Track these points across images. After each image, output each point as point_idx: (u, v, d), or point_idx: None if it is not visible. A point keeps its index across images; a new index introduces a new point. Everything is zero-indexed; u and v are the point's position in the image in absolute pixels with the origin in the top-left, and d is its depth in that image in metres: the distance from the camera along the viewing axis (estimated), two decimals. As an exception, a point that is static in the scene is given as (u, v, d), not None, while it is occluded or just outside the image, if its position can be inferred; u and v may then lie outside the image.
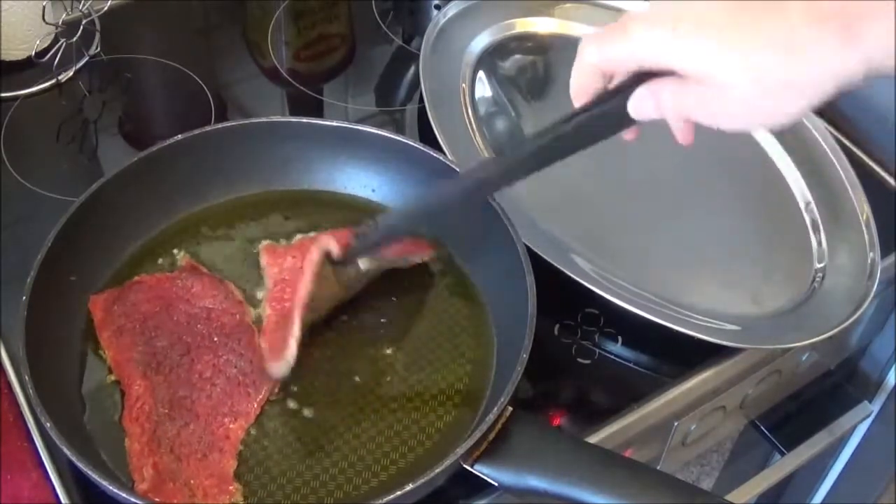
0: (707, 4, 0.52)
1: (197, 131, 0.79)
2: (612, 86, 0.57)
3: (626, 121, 0.56)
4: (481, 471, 0.63)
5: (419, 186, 0.80)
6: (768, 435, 0.98)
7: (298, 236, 0.79)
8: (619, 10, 1.01)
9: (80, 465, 0.60)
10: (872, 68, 0.49)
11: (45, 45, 0.95)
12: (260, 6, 1.08)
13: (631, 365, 0.77)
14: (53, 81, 0.95)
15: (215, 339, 0.72)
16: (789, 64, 0.50)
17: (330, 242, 0.70)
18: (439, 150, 0.79)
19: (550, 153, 0.60)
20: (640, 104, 0.55)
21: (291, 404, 0.70)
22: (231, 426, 0.67)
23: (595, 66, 0.56)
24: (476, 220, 0.76)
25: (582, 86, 0.57)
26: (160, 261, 0.77)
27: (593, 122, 0.57)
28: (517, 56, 0.98)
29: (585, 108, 0.57)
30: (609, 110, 0.56)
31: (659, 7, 0.53)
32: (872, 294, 0.80)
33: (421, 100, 0.86)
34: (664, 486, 0.62)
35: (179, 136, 0.78)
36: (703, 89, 0.52)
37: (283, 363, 0.68)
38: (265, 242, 0.78)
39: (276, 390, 0.70)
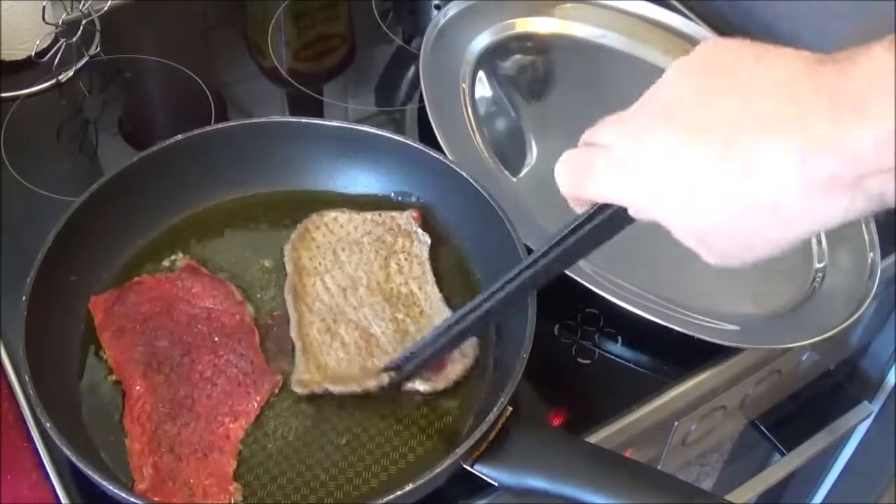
0: (679, 147, 0.47)
1: (197, 131, 0.79)
2: None
3: (629, 221, 0.54)
4: (481, 471, 0.63)
5: (419, 187, 0.81)
6: (768, 435, 0.98)
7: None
8: (618, 10, 1.01)
9: (80, 465, 0.60)
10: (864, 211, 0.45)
11: (45, 45, 0.95)
12: (260, 6, 1.08)
13: (631, 365, 0.77)
14: (53, 81, 0.95)
15: (215, 339, 0.72)
16: (779, 225, 0.47)
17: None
18: (439, 150, 0.79)
19: (570, 258, 0.59)
20: (640, 216, 0.53)
21: (291, 404, 0.70)
22: (231, 426, 0.67)
23: (572, 198, 0.55)
24: (476, 221, 0.76)
25: (573, 204, 0.56)
26: (160, 261, 0.77)
27: (594, 232, 0.56)
28: (517, 56, 0.98)
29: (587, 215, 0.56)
30: (610, 217, 0.55)
31: (626, 136, 0.50)
32: (872, 294, 0.80)
33: (421, 100, 0.86)
34: (664, 486, 0.62)
35: (179, 136, 0.78)
36: (684, 233, 0.50)
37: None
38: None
39: (277, 390, 0.70)
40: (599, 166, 0.51)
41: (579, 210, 0.56)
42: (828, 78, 0.44)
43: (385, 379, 0.69)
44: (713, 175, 0.46)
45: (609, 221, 0.55)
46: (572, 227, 0.57)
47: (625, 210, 0.53)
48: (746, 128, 0.45)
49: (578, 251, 0.58)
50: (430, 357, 0.68)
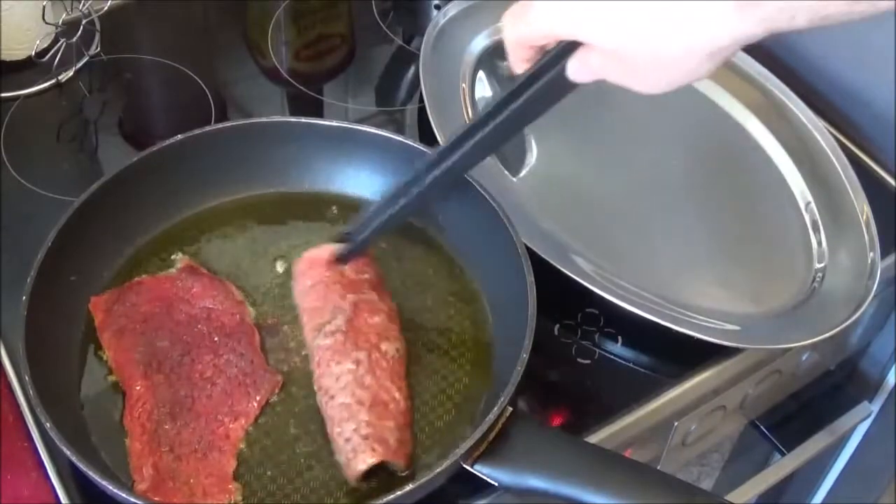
0: None
1: (197, 131, 0.79)
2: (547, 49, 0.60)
3: (569, 86, 0.60)
4: (481, 471, 0.63)
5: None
6: (768, 435, 0.98)
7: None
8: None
9: (80, 465, 0.60)
10: (772, 28, 0.50)
11: (45, 45, 0.95)
12: (260, 6, 1.08)
13: (631, 365, 0.77)
14: (53, 81, 0.95)
15: (215, 339, 0.72)
16: (684, 34, 0.52)
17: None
18: (439, 150, 0.79)
19: (509, 127, 0.65)
20: (576, 72, 0.59)
21: (291, 404, 0.70)
22: (231, 426, 0.67)
23: (517, 44, 0.60)
24: (476, 221, 0.76)
25: (516, 58, 0.61)
26: (160, 261, 0.77)
27: (539, 94, 0.62)
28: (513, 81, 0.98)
29: (530, 78, 0.61)
30: (552, 80, 0.60)
31: None
32: (872, 294, 0.80)
33: (421, 100, 0.86)
34: (664, 486, 0.62)
35: (179, 136, 0.78)
36: (617, 59, 0.55)
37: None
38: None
39: (277, 390, 0.70)
40: (534, 7, 0.58)
41: (520, 68, 0.61)
42: None
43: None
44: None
45: (550, 83, 0.60)
46: (517, 87, 0.62)
47: (563, 74, 0.59)
48: None
49: (525, 114, 0.63)
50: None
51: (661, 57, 0.54)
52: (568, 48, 0.59)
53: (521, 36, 0.60)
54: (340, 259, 0.73)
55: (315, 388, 0.69)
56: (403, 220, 0.74)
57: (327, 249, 0.74)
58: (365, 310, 0.71)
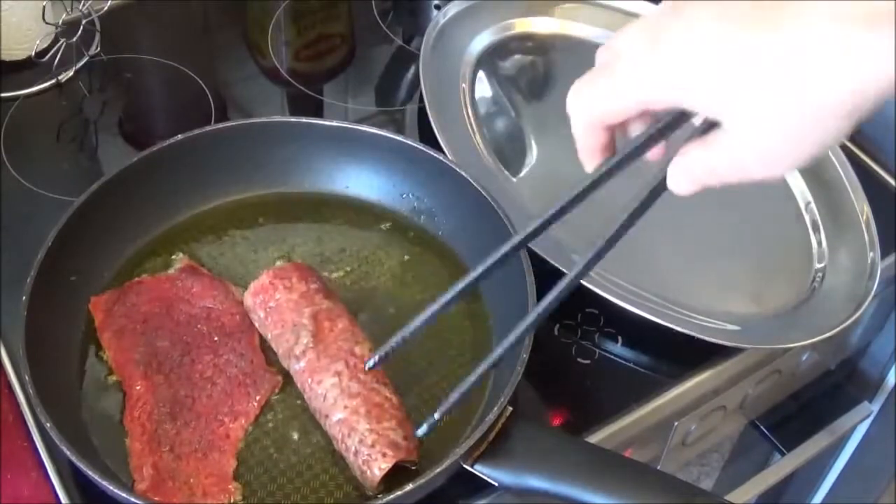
0: (702, 12, 0.42)
1: (197, 131, 0.79)
2: (628, 134, 0.50)
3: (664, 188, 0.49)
4: (481, 471, 0.63)
5: (419, 187, 0.81)
6: (768, 435, 0.98)
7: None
8: (618, 10, 1.01)
9: (80, 465, 0.60)
10: None
11: (45, 45, 0.95)
12: (260, 6, 1.08)
13: (631, 365, 0.77)
14: (53, 81, 0.95)
15: (215, 338, 0.72)
16: (822, 81, 0.40)
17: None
18: (439, 150, 0.79)
19: (615, 239, 0.55)
20: (677, 184, 0.48)
21: (291, 404, 0.70)
22: (231, 426, 0.67)
23: (591, 126, 0.49)
24: (476, 221, 0.76)
25: (588, 147, 0.50)
26: (160, 261, 0.77)
27: (642, 206, 0.51)
28: (517, 56, 0.98)
29: (608, 170, 0.51)
30: (652, 190, 0.50)
31: (646, 28, 0.45)
32: (872, 294, 0.80)
33: (421, 100, 0.86)
34: (664, 486, 0.62)
35: (179, 136, 0.78)
36: (726, 141, 0.44)
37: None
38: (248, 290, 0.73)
39: (277, 390, 0.70)
40: (618, 67, 0.45)
41: (591, 163, 0.50)
42: None
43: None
44: (746, 29, 0.41)
45: (649, 196, 0.49)
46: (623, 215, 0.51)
47: (663, 182, 0.48)
48: None
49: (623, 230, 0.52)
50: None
51: (794, 122, 0.41)
52: (655, 134, 0.48)
53: (602, 111, 0.47)
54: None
55: (312, 410, 0.68)
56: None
57: (265, 273, 0.72)
58: (325, 318, 0.70)
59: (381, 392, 0.67)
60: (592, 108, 0.48)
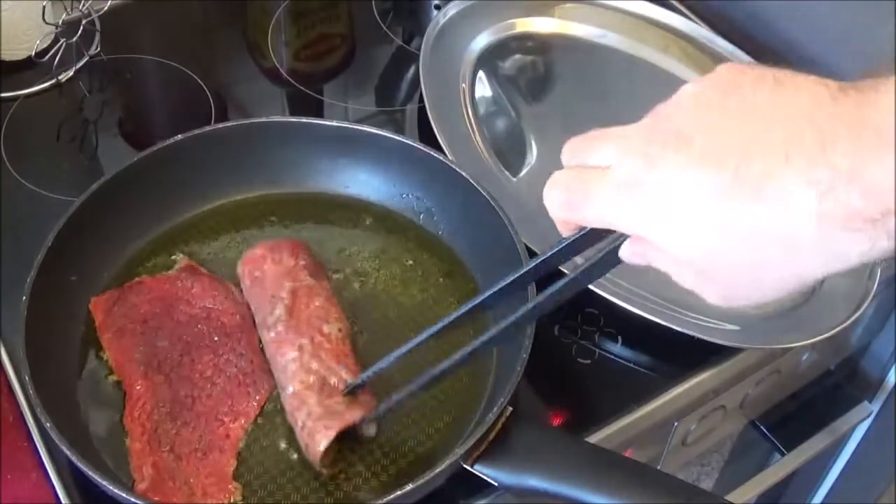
0: (689, 173, 0.44)
1: (197, 131, 0.79)
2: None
3: (617, 262, 0.53)
4: (481, 471, 0.63)
5: (419, 187, 0.81)
6: (768, 435, 0.98)
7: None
8: (618, 10, 1.01)
9: (80, 464, 0.60)
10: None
11: (45, 45, 0.95)
12: (260, 6, 1.08)
13: (631, 365, 0.77)
14: (53, 81, 0.95)
15: (215, 338, 0.72)
16: (789, 261, 0.43)
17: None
18: (439, 150, 0.79)
19: (543, 307, 0.58)
20: (630, 258, 0.51)
21: (291, 404, 0.70)
22: (231, 426, 0.67)
23: (564, 221, 0.52)
24: (476, 221, 0.76)
25: (561, 227, 0.53)
26: (160, 261, 0.77)
27: (590, 271, 0.54)
28: (517, 56, 0.98)
29: (574, 245, 0.55)
30: (601, 259, 0.53)
31: (626, 156, 0.47)
32: (872, 294, 0.80)
33: (421, 100, 0.86)
34: (664, 486, 0.62)
35: (179, 136, 0.78)
36: (694, 269, 0.47)
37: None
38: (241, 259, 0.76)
39: (276, 390, 0.70)
40: (598, 189, 0.48)
41: (565, 233, 0.54)
42: (850, 107, 0.41)
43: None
44: (723, 200, 0.43)
45: (600, 262, 0.53)
46: (558, 254, 0.55)
47: (615, 251, 0.51)
48: (762, 155, 0.42)
49: (570, 290, 0.56)
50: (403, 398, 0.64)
51: (752, 282, 0.45)
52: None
53: (571, 219, 0.51)
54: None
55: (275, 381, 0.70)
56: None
57: (261, 245, 0.75)
58: (304, 295, 0.72)
59: (339, 373, 0.67)
60: (565, 210, 0.51)
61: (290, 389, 0.67)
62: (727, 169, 0.43)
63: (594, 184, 0.48)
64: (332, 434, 0.64)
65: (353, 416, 0.65)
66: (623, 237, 0.51)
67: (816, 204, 0.41)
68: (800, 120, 0.42)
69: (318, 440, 0.64)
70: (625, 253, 0.51)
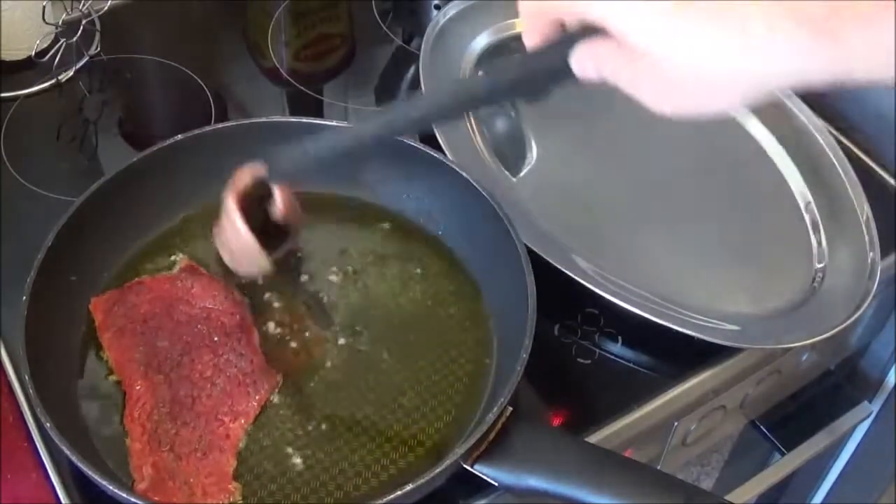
0: None
1: (197, 131, 0.79)
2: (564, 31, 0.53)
3: (569, 75, 0.52)
4: (481, 471, 0.63)
5: (419, 187, 0.81)
6: (768, 435, 0.98)
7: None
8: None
9: (80, 465, 0.60)
10: (840, 75, 0.43)
11: (45, 45, 0.95)
12: (260, 6, 1.08)
13: (631, 365, 0.77)
14: (53, 81, 0.95)
15: (215, 338, 0.72)
16: (743, 55, 0.43)
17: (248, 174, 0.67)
18: (439, 150, 0.79)
19: (491, 96, 0.59)
20: (581, 63, 0.51)
21: (291, 404, 0.70)
22: (231, 425, 0.67)
23: (533, 14, 0.52)
24: (476, 221, 0.76)
25: (529, 28, 0.53)
26: (160, 261, 0.77)
27: (537, 74, 0.55)
28: (517, 56, 0.98)
29: (535, 55, 0.54)
30: (552, 64, 0.53)
31: None
32: (872, 294, 0.80)
33: (421, 100, 0.86)
34: (664, 486, 0.62)
35: (179, 136, 0.78)
36: (639, 64, 0.47)
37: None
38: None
39: (276, 390, 0.70)
40: None
41: (531, 40, 0.53)
42: None
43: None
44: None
45: (549, 69, 0.53)
46: (514, 65, 0.56)
47: (566, 59, 0.51)
48: None
49: (511, 89, 0.57)
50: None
51: (700, 75, 0.45)
52: (578, 35, 0.50)
53: (536, 5, 0.51)
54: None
55: None
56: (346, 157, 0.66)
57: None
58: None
59: None
60: (542, 3, 0.51)
61: None
62: None
63: None
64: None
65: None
66: (573, 46, 0.50)
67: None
68: None
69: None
70: (576, 56, 0.50)
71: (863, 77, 0.43)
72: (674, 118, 0.48)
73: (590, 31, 0.50)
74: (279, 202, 0.68)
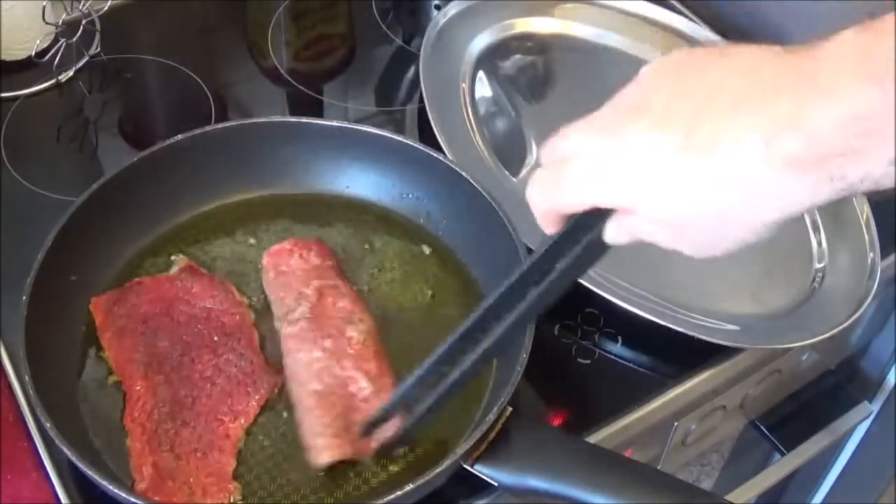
0: (641, 137, 0.48)
1: (197, 131, 0.79)
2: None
3: (606, 248, 0.54)
4: (481, 471, 0.63)
5: (419, 186, 0.81)
6: (768, 435, 0.98)
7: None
8: (618, 10, 1.01)
9: (80, 465, 0.60)
10: (849, 192, 0.45)
11: (45, 45, 0.95)
12: (260, 6, 1.08)
13: (631, 365, 0.77)
14: (53, 81, 0.95)
15: (215, 338, 0.72)
16: (752, 207, 0.47)
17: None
18: (439, 150, 0.79)
19: (544, 300, 0.58)
20: (615, 237, 0.53)
21: (291, 404, 0.69)
22: (231, 425, 0.67)
23: (548, 214, 0.54)
24: (476, 222, 0.76)
25: (546, 223, 0.55)
26: (160, 261, 0.77)
27: (577, 261, 0.56)
28: (517, 56, 0.98)
29: (563, 242, 0.55)
30: (587, 246, 0.55)
31: (596, 132, 0.51)
32: (872, 294, 0.80)
33: (421, 100, 0.86)
34: (664, 486, 0.62)
35: (179, 136, 0.78)
36: (668, 226, 0.50)
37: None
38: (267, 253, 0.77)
39: (276, 390, 0.70)
40: (572, 171, 0.51)
41: (550, 230, 0.55)
42: (795, 61, 0.45)
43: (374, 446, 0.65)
44: (681, 157, 0.47)
45: (586, 252, 0.55)
46: (546, 252, 0.56)
47: (600, 234, 0.53)
48: (710, 113, 0.46)
49: (561, 282, 0.57)
50: (426, 414, 0.63)
51: (722, 229, 0.49)
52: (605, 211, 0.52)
53: (553, 207, 0.54)
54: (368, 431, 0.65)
55: (286, 374, 0.70)
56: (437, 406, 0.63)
57: (290, 241, 0.76)
58: (329, 295, 0.73)
59: (359, 382, 0.68)
60: (545, 203, 0.54)
61: (311, 388, 0.67)
62: (681, 129, 0.47)
63: (567, 167, 0.52)
64: (336, 456, 0.64)
65: (363, 450, 0.65)
66: (603, 224, 0.53)
67: (763, 150, 0.44)
68: (745, 78, 0.46)
69: (323, 455, 0.64)
70: (609, 233, 0.53)
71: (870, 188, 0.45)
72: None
73: (602, 211, 0.52)
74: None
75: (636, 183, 0.49)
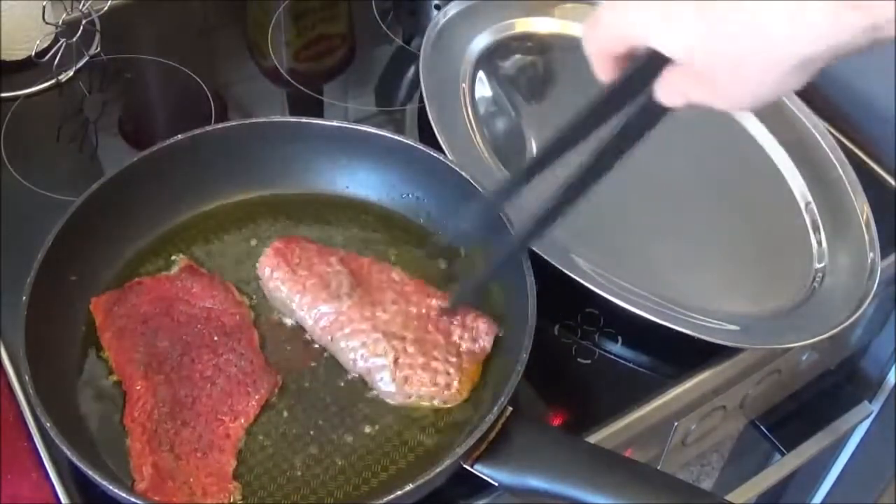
0: None
1: (197, 131, 0.79)
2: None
3: (661, 110, 0.56)
4: (481, 471, 0.63)
5: (419, 187, 0.81)
6: (768, 435, 0.98)
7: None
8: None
9: (80, 465, 0.60)
10: (876, 38, 0.45)
11: (45, 45, 0.95)
12: (260, 6, 1.08)
13: (631, 365, 0.77)
14: (53, 81, 0.95)
15: (215, 338, 0.72)
16: (768, 42, 0.47)
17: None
18: (439, 150, 0.79)
19: (607, 161, 0.62)
20: (664, 95, 0.55)
21: (291, 404, 0.70)
22: (231, 425, 0.67)
23: (598, 53, 0.56)
24: (476, 222, 0.76)
25: (599, 69, 0.57)
26: (160, 261, 0.77)
27: (632, 122, 0.58)
28: (517, 56, 0.98)
29: (616, 99, 0.58)
30: (641, 107, 0.57)
31: None
32: (872, 294, 0.80)
33: (421, 100, 0.86)
34: (664, 486, 0.62)
35: (179, 136, 0.78)
36: (693, 73, 0.51)
37: None
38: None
39: (276, 390, 0.70)
40: (613, 9, 0.53)
41: (605, 77, 0.57)
42: None
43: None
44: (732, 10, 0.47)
45: (644, 108, 0.56)
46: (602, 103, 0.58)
47: (651, 98, 0.55)
48: None
49: (620, 145, 0.60)
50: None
51: (741, 69, 0.48)
52: (656, 61, 0.53)
53: (597, 44, 0.56)
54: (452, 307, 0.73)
55: (340, 347, 0.71)
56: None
57: (280, 239, 0.76)
58: (351, 261, 0.75)
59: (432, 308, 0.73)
60: (591, 42, 0.56)
61: (410, 336, 0.71)
62: None
63: (610, 5, 0.54)
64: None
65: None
66: (654, 81, 0.54)
67: None
68: None
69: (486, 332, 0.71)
70: (659, 91, 0.54)
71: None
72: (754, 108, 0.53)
73: (657, 60, 0.53)
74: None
75: (657, 15, 0.50)
